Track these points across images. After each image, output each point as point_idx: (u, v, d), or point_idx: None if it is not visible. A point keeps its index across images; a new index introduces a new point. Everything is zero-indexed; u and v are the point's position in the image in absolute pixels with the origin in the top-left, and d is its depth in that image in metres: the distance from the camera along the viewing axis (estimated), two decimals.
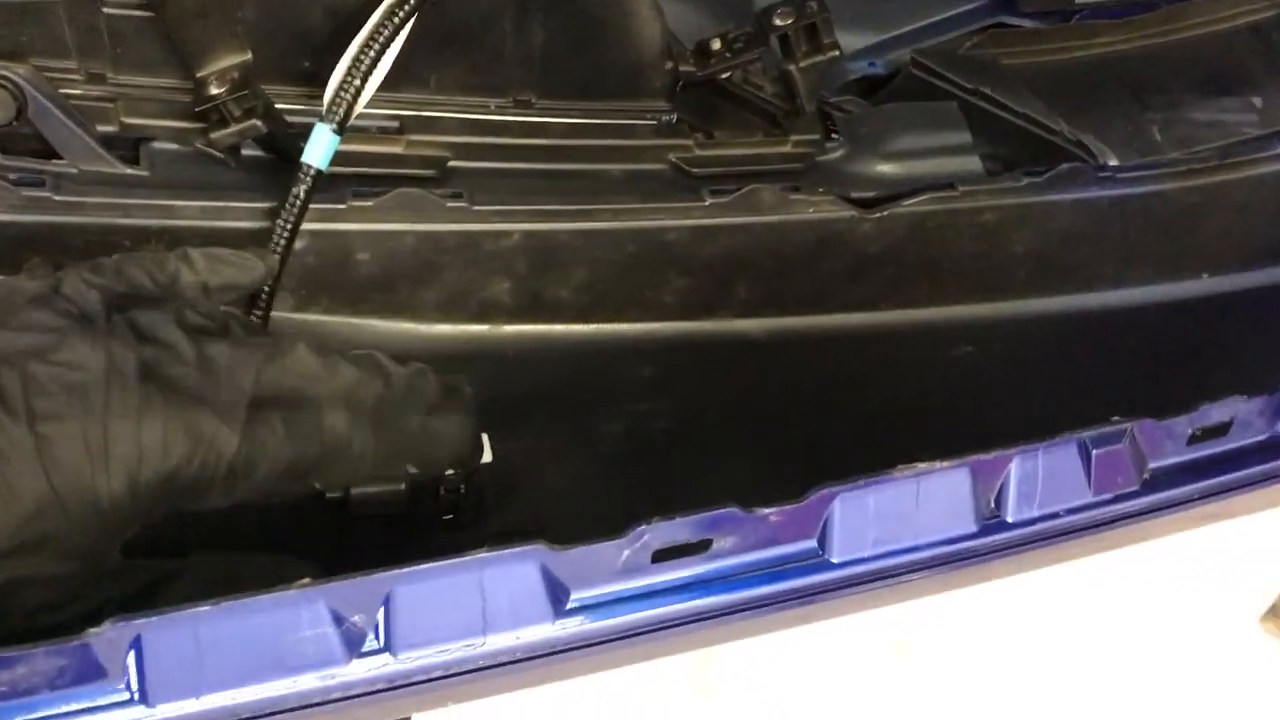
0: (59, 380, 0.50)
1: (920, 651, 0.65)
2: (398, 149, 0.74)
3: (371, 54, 0.67)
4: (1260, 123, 0.92)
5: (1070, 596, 0.61)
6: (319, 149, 0.66)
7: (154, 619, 0.40)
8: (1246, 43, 0.98)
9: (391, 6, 0.67)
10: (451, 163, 0.75)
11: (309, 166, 0.66)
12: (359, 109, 0.67)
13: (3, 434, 0.48)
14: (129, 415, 0.50)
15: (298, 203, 0.65)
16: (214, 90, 0.66)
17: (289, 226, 0.65)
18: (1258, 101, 0.93)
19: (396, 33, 0.67)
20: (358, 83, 0.66)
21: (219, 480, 0.53)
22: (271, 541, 0.61)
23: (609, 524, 0.66)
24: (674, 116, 0.81)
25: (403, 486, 0.64)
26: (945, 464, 0.53)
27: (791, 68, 0.82)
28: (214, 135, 0.67)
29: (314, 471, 0.56)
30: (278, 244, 0.65)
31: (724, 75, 0.83)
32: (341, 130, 0.66)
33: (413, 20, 0.67)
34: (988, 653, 0.63)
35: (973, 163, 0.85)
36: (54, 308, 0.53)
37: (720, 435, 0.76)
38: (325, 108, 0.66)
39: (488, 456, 0.66)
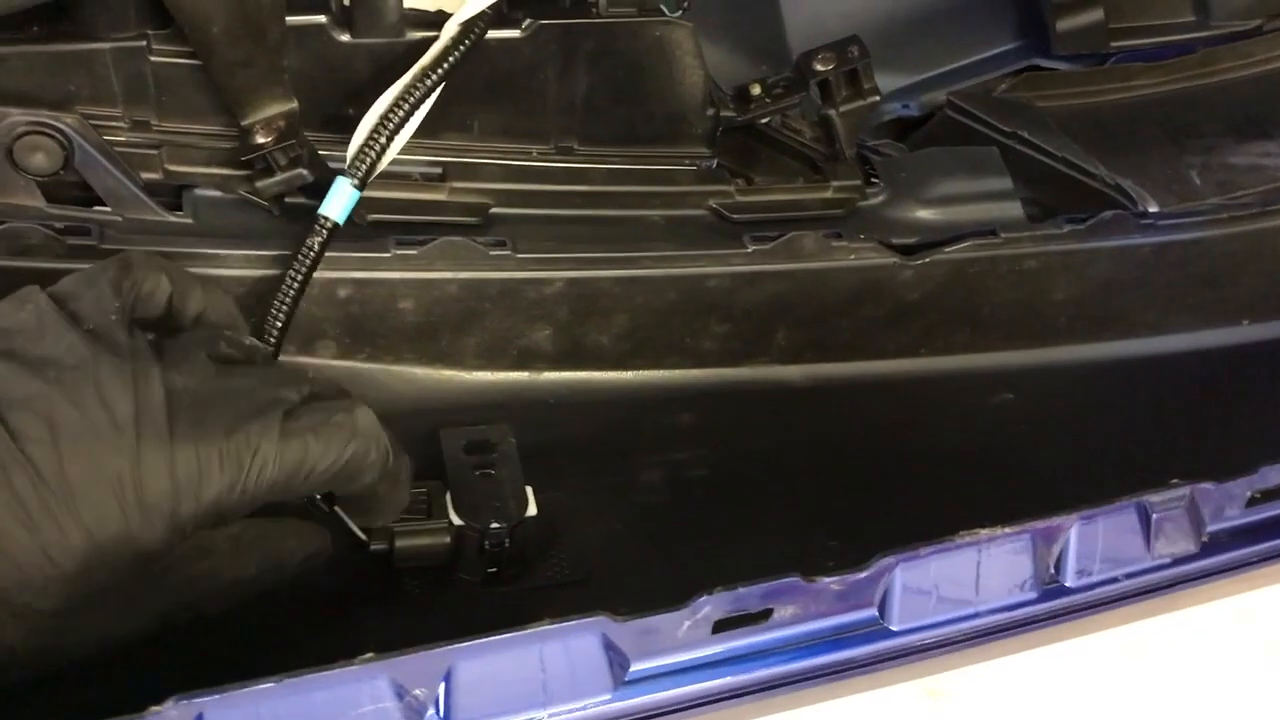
0: (87, 424, 0.48)
1: (954, 697, 0.63)
2: (440, 196, 0.73)
3: (400, 114, 0.66)
4: None
5: (1113, 651, 0.60)
6: (339, 202, 0.65)
7: (216, 696, 0.39)
8: None
9: (423, 69, 0.67)
10: (494, 209, 0.75)
11: (325, 218, 0.65)
12: (383, 165, 0.67)
13: (37, 492, 0.47)
14: (161, 451, 0.49)
15: (310, 254, 0.65)
16: (259, 139, 0.66)
17: (299, 278, 0.65)
18: None
19: (426, 95, 0.67)
20: (384, 140, 0.66)
21: (261, 498, 0.52)
22: (311, 595, 0.61)
23: (653, 576, 0.66)
24: (714, 162, 0.80)
25: (447, 540, 0.63)
26: (1006, 530, 0.52)
27: (832, 113, 0.82)
28: (259, 184, 0.67)
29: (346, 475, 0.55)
30: (286, 295, 0.64)
31: (764, 120, 0.83)
32: (363, 185, 0.66)
33: (442, 85, 0.67)
34: (1024, 700, 0.62)
35: (1013, 208, 0.84)
36: (75, 331, 0.51)
37: (761, 482, 0.75)
38: (348, 162, 0.66)
39: (532, 510, 0.65)
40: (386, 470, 0.56)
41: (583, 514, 0.70)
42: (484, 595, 0.64)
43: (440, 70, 0.67)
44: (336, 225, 0.65)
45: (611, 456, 0.74)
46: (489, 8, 0.68)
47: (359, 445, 0.54)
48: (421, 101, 0.67)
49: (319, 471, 0.52)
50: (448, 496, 0.64)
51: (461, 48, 0.67)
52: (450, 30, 0.68)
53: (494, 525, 0.63)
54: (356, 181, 0.65)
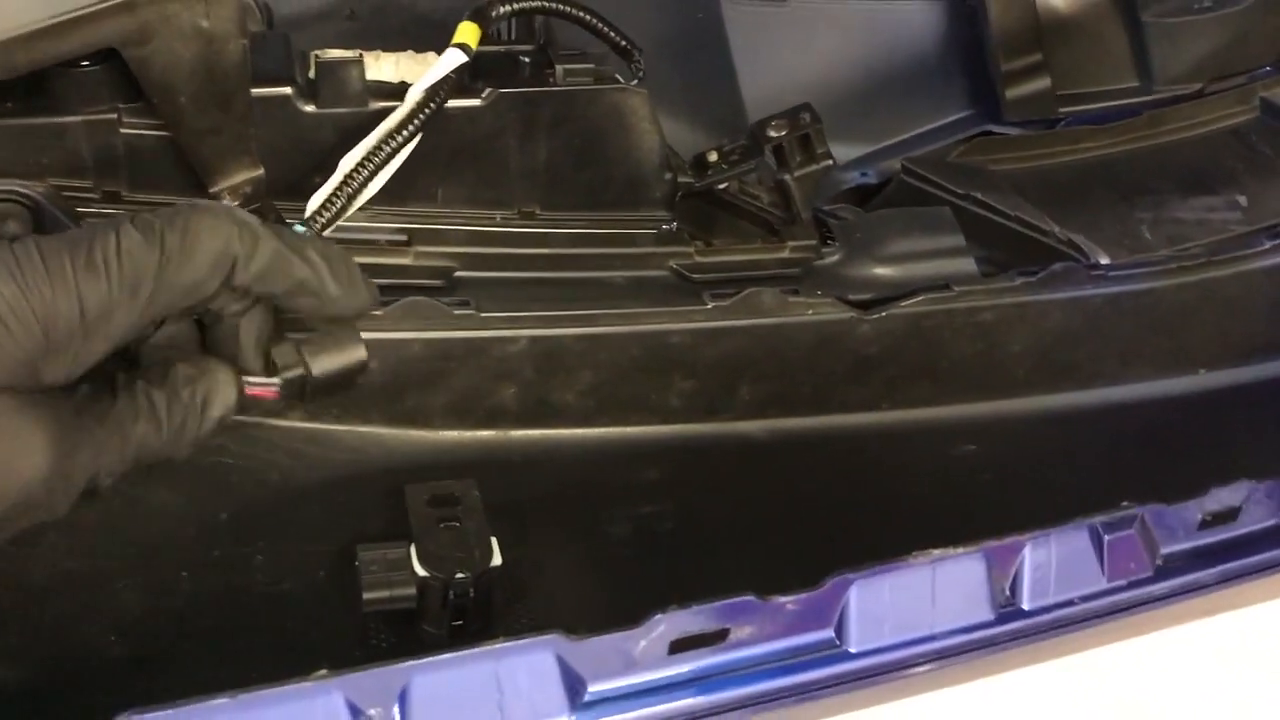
0: None
1: None
2: (406, 260, 0.75)
3: (363, 175, 0.68)
4: (1245, 220, 0.95)
5: (1072, 674, 0.60)
6: None
7: (169, 712, 0.39)
8: (1228, 145, 1.01)
9: (387, 133, 0.69)
10: (458, 273, 0.76)
11: None
12: (342, 220, 0.68)
13: None
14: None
15: None
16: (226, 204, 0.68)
17: None
18: (1242, 200, 0.96)
19: (389, 158, 0.69)
20: (344, 199, 0.67)
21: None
22: (276, 639, 0.61)
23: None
24: (674, 225, 0.82)
25: (411, 590, 0.64)
26: (960, 550, 0.53)
27: (787, 177, 0.85)
28: None
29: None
30: None
31: (721, 185, 0.85)
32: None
33: (404, 148, 0.69)
34: None
35: (968, 264, 0.86)
36: None
37: (726, 537, 0.76)
38: (306, 214, 0.67)
39: (497, 560, 0.66)
40: (281, 256, 0.53)
41: (550, 568, 0.71)
42: (449, 647, 0.64)
43: (403, 134, 0.69)
44: None
45: (578, 511, 0.75)
46: (452, 73, 0.71)
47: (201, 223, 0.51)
48: (384, 164, 0.69)
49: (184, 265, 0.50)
50: (412, 548, 0.65)
51: (425, 112, 0.70)
52: (414, 96, 0.70)
53: (458, 575, 0.64)
54: (312, 234, 0.67)
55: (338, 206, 0.67)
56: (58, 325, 0.48)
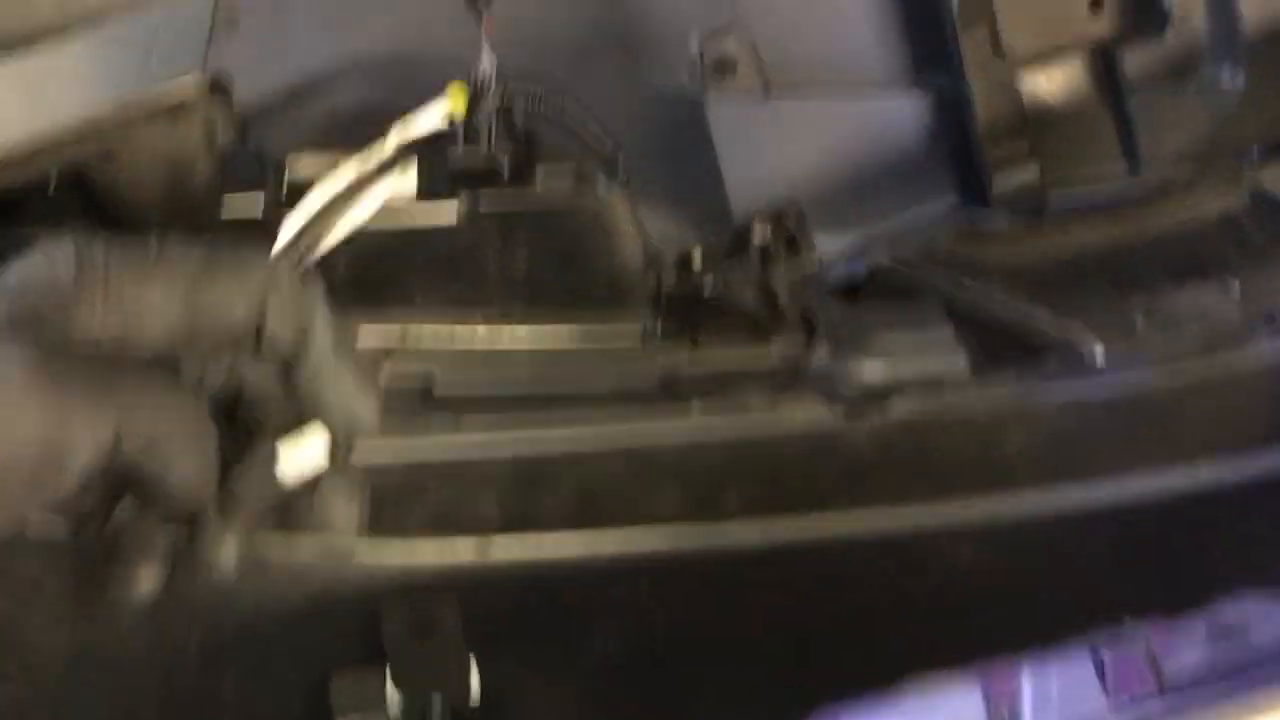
0: None
1: None
2: (383, 375, 0.74)
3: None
4: (1241, 308, 0.93)
5: None
6: None
7: None
8: (1219, 231, 0.99)
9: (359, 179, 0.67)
10: (437, 384, 0.75)
11: None
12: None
13: None
14: None
15: None
16: None
17: None
18: (1235, 289, 0.94)
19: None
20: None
21: None
22: None
23: None
24: (659, 327, 0.81)
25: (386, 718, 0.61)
26: (956, 677, 0.51)
27: (772, 276, 0.83)
28: None
29: None
30: None
31: (706, 286, 0.84)
32: None
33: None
34: None
35: (959, 360, 0.84)
36: None
37: (718, 647, 0.74)
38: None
39: (475, 683, 0.63)
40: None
41: (534, 689, 0.69)
42: None
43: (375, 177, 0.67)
44: None
45: (562, 626, 0.73)
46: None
47: None
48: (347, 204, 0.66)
49: None
50: (387, 671, 0.63)
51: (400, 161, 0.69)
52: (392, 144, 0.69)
53: (435, 703, 0.62)
54: None
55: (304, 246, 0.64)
56: None
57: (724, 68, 1.00)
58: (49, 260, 0.48)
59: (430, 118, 0.69)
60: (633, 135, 0.96)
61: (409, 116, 0.69)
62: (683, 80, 1.02)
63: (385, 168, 0.67)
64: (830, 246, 1.03)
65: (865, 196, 1.05)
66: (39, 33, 0.71)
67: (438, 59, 0.89)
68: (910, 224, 1.05)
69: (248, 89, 0.82)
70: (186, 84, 0.59)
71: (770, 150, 1.03)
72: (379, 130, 0.97)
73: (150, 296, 0.48)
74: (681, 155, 1.04)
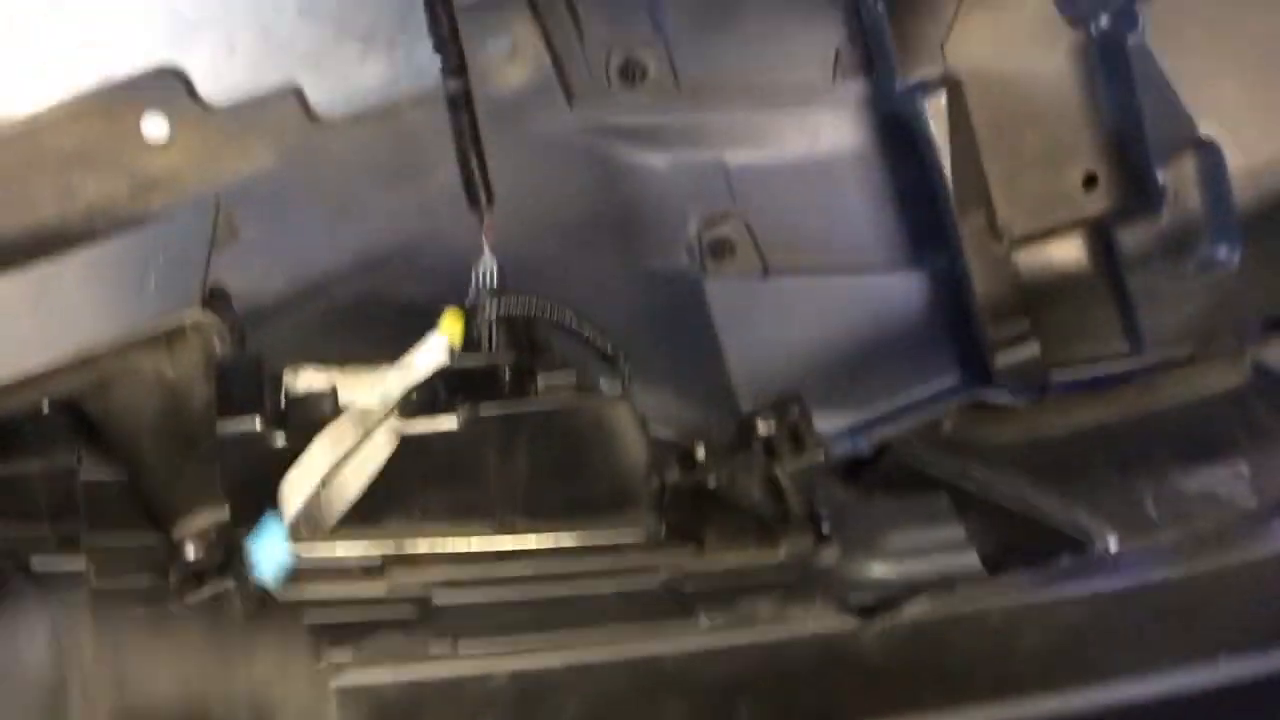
0: None
1: None
2: (380, 589, 0.71)
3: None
4: (1251, 491, 0.92)
5: None
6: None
7: None
8: (1225, 410, 0.99)
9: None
10: (436, 598, 0.73)
11: None
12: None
13: None
14: None
15: None
16: (189, 553, 0.64)
17: None
18: (1245, 470, 0.93)
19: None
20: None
21: None
22: None
23: None
24: (662, 529, 0.79)
25: None
26: None
27: (778, 471, 0.82)
28: (189, 599, 0.64)
29: None
30: None
31: (711, 482, 0.82)
32: None
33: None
34: None
35: (969, 558, 0.83)
36: None
37: None
38: None
39: None
40: None
41: None
42: None
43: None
44: None
45: None
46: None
47: None
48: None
49: None
50: None
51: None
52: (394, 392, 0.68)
53: None
54: None
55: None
56: None
57: (722, 250, 1.00)
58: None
59: (430, 355, 0.68)
60: (634, 318, 0.96)
61: (408, 357, 0.68)
62: (682, 262, 1.02)
63: (387, 417, 0.66)
64: (834, 425, 1.02)
65: (868, 375, 1.05)
66: (40, 231, 0.70)
67: (438, 250, 0.89)
68: (914, 402, 1.04)
69: (248, 293, 0.81)
70: (185, 310, 0.58)
71: (771, 330, 1.03)
72: (381, 319, 0.97)
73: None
74: (683, 336, 1.03)
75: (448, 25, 0.73)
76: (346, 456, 0.64)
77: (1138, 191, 1.00)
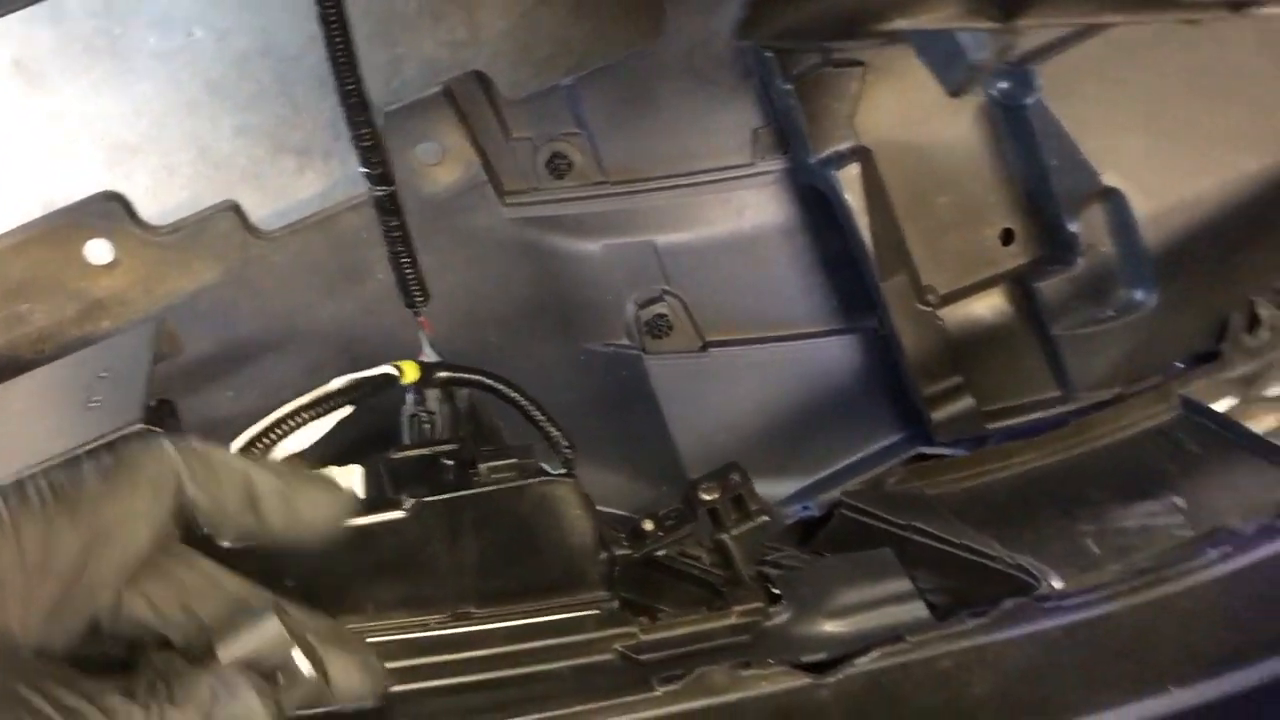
0: None
1: None
2: None
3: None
4: (1187, 523, 0.94)
5: None
6: None
7: None
8: (1156, 445, 1.02)
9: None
10: (393, 688, 0.74)
11: None
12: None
13: None
14: None
15: None
16: None
17: None
18: (1180, 502, 0.96)
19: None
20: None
21: None
22: None
23: None
24: (615, 603, 0.81)
25: None
26: None
27: (724, 537, 0.84)
28: None
29: None
30: None
31: (660, 553, 0.84)
32: None
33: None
34: None
35: (918, 609, 0.85)
36: None
37: None
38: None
39: None
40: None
41: None
42: None
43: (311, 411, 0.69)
44: None
45: None
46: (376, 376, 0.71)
47: None
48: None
49: None
50: None
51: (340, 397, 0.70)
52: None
53: None
54: None
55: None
56: None
57: (660, 328, 1.04)
58: None
59: (377, 370, 0.72)
60: (581, 400, 0.98)
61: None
62: (622, 342, 1.05)
63: (331, 399, 0.69)
64: (784, 491, 1.05)
65: (812, 438, 1.08)
66: None
67: (383, 349, 0.92)
68: (858, 461, 1.07)
69: (199, 405, 0.84)
70: (127, 423, 0.60)
71: (714, 401, 1.06)
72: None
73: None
74: (630, 415, 1.06)
75: (370, 135, 0.76)
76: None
77: (1053, 243, 1.05)
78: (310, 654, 0.56)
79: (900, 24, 0.45)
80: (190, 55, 1.00)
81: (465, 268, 1.00)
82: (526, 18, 1.04)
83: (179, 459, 0.55)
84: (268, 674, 0.55)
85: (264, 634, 0.56)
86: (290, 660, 0.56)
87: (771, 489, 1.00)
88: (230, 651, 0.55)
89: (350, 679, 0.58)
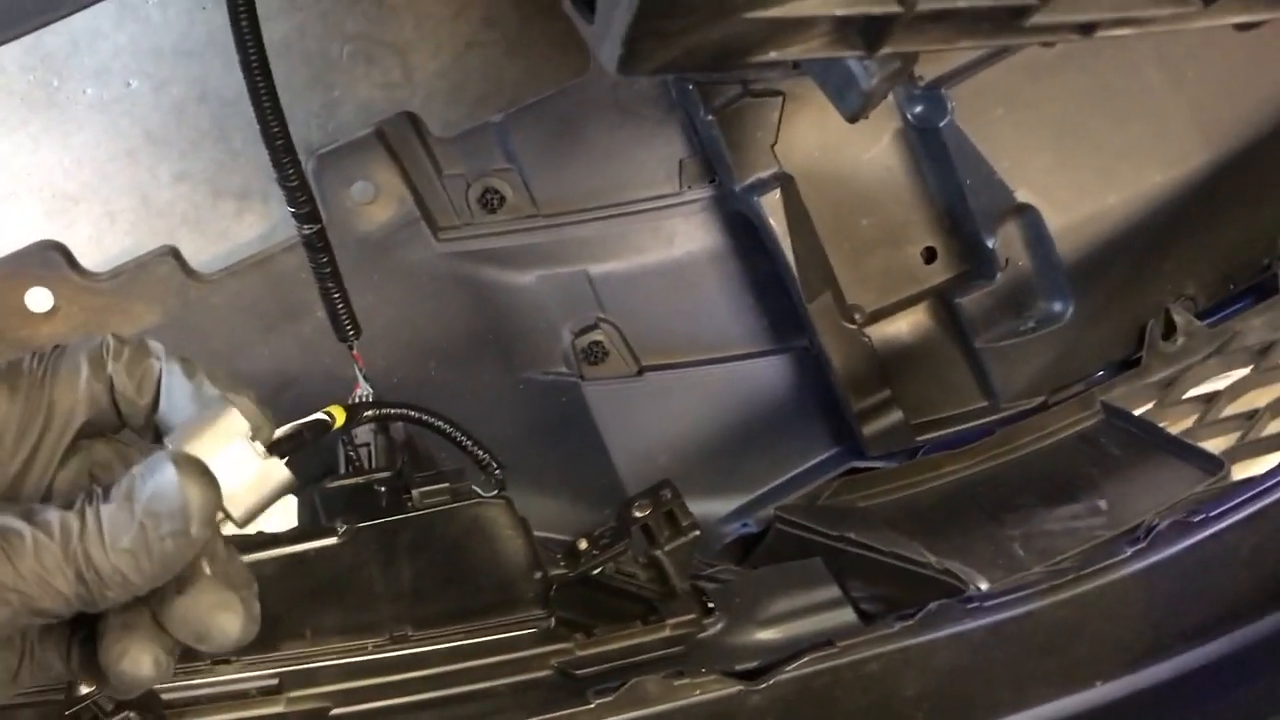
0: None
1: None
2: (278, 708, 0.74)
3: None
4: (1109, 524, 0.97)
5: None
6: None
7: None
8: (1080, 451, 1.05)
9: None
10: (334, 711, 0.76)
11: None
12: None
13: None
14: None
15: None
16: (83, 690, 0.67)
17: None
18: (1103, 504, 0.99)
19: None
20: None
21: None
22: None
23: None
24: (552, 621, 0.83)
25: None
26: None
27: (658, 553, 0.86)
28: None
29: None
30: None
31: (597, 571, 0.86)
32: None
33: None
34: None
35: (847, 615, 0.87)
36: None
37: None
38: None
39: None
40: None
41: None
42: None
43: None
44: None
45: None
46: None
47: None
48: None
49: None
50: None
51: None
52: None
53: None
54: None
55: None
56: None
57: (596, 354, 1.07)
58: None
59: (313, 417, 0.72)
60: (521, 429, 1.00)
61: None
62: (560, 370, 1.08)
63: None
64: (723, 509, 1.08)
65: (749, 457, 1.11)
66: None
67: (322, 383, 0.94)
68: (793, 477, 1.10)
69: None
70: None
71: (652, 425, 1.09)
72: None
73: None
74: (570, 441, 1.08)
75: (296, 175, 0.79)
76: None
77: (973, 260, 1.09)
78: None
79: (773, 54, 0.47)
80: (128, 105, 1.02)
81: (403, 303, 1.02)
82: (459, 58, 1.07)
83: (108, 339, 0.55)
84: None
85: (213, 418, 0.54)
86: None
87: (711, 507, 1.02)
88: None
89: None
